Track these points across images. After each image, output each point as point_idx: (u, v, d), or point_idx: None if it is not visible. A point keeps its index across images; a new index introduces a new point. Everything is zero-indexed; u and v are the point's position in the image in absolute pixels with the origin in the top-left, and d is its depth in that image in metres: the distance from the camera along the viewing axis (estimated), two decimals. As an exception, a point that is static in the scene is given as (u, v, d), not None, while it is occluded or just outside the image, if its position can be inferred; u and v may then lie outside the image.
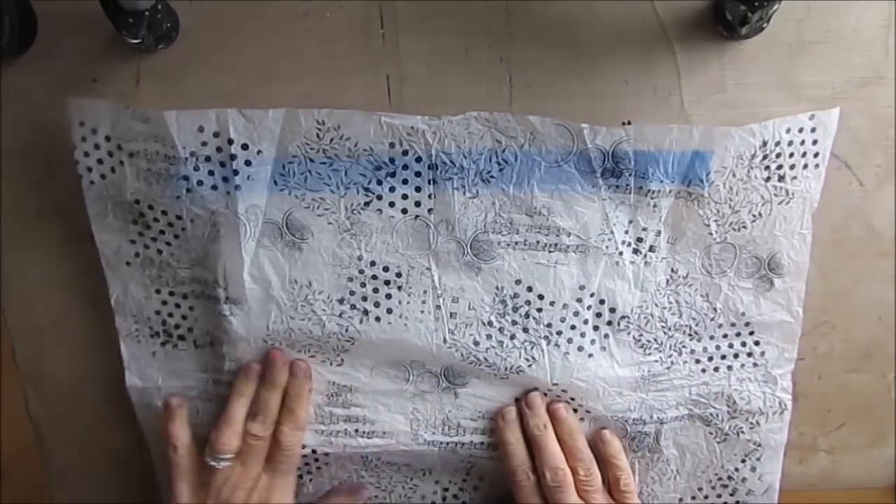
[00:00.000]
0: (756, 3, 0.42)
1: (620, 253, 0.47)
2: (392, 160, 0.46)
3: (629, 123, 0.46)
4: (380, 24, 0.48)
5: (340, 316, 0.48)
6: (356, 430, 0.51)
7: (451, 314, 0.48)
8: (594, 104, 0.48)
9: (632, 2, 0.47)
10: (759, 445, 0.52)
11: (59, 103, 0.49)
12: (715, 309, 0.49)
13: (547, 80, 0.48)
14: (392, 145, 0.45)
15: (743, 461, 0.52)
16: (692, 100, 0.48)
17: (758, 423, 0.51)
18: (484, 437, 0.50)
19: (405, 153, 0.46)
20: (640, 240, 0.47)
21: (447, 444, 0.51)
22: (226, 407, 0.48)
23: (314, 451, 0.51)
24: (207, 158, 0.45)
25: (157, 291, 0.49)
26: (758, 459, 0.52)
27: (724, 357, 0.50)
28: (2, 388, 0.53)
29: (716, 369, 0.50)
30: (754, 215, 0.47)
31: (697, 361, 0.50)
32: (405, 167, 0.46)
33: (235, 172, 0.46)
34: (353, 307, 0.48)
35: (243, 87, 0.48)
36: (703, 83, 0.48)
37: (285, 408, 0.49)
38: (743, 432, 0.51)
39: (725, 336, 0.50)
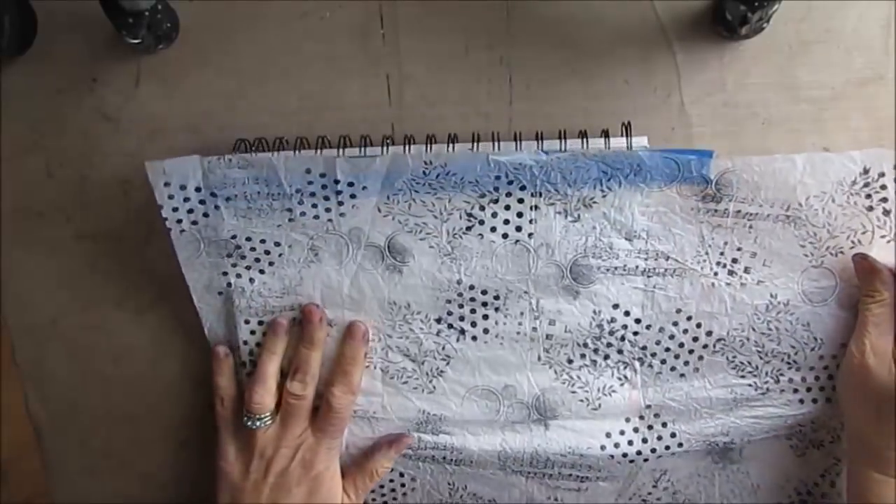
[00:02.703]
0: (756, 3, 0.42)
1: (715, 274, 0.47)
2: (496, 188, 0.46)
3: (629, 124, 0.46)
4: (380, 24, 0.48)
5: (438, 334, 0.49)
6: (444, 458, 0.51)
7: (547, 335, 0.48)
8: (594, 104, 0.48)
9: (632, 2, 0.47)
10: (839, 461, 0.50)
11: (59, 103, 0.49)
12: (815, 339, 0.47)
13: (547, 80, 0.48)
14: (497, 178, 0.46)
15: (822, 476, 0.51)
16: (692, 100, 0.48)
17: (839, 436, 0.49)
18: (573, 471, 0.50)
19: (510, 183, 0.46)
20: (734, 261, 0.47)
21: (535, 473, 0.51)
22: (258, 365, 0.48)
23: (402, 475, 0.52)
24: (312, 194, 0.46)
25: (246, 322, 0.49)
26: (837, 475, 0.51)
27: (822, 389, 0.48)
28: (2, 388, 0.53)
29: (814, 401, 0.48)
30: (853, 242, 0.46)
31: (795, 391, 0.48)
32: (508, 194, 0.46)
33: (340, 203, 0.46)
34: (450, 326, 0.49)
35: (243, 87, 0.48)
36: (703, 83, 0.48)
37: (339, 370, 0.49)
38: (823, 446, 0.50)
39: (826, 368, 0.48)
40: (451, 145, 0.46)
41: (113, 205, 0.50)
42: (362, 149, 0.47)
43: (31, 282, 0.52)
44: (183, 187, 0.46)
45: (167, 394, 0.54)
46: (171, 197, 0.46)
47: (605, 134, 0.46)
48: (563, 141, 0.46)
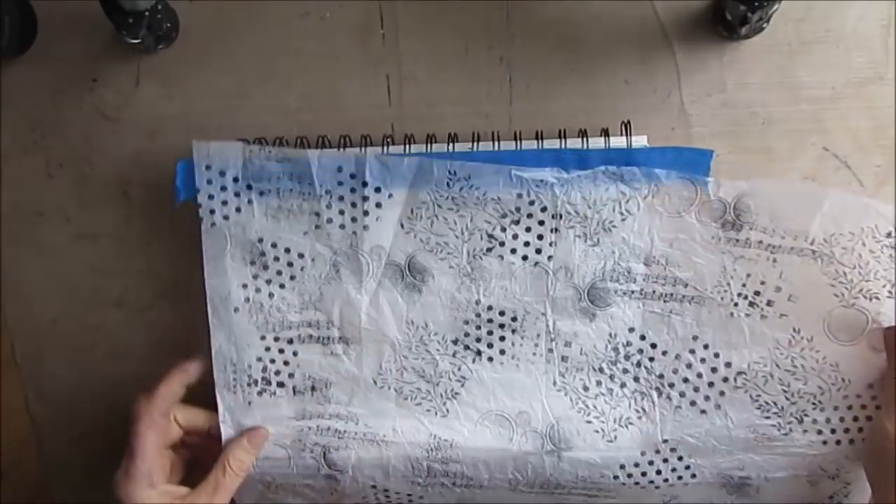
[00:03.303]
0: (756, 3, 0.42)
1: (735, 304, 0.46)
2: (518, 209, 0.46)
3: (629, 123, 0.46)
4: (380, 24, 0.48)
5: (454, 355, 0.49)
6: (454, 483, 0.50)
7: (562, 357, 0.48)
8: (594, 104, 0.48)
9: (632, 2, 0.47)
10: (848, 484, 0.49)
11: (59, 103, 0.49)
12: (843, 379, 0.46)
13: (547, 80, 0.48)
14: (519, 196, 0.46)
15: (830, 497, 0.50)
16: (692, 100, 0.48)
17: (854, 467, 0.48)
18: (584, 492, 0.50)
19: (531, 203, 0.46)
20: (757, 293, 0.46)
21: (545, 493, 0.50)
22: None
23: (409, 495, 0.51)
24: (341, 198, 0.47)
25: (262, 338, 0.49)
26: (846, 496, 0.50)
27: (847, 430, 0.47)
28: (2, 388, 0.53)
29: (837, 442, 0.47)
30: (890, 293, 0.45)
31: (819, 432, 0.47)
32: (530, 216, 0.46)
33: (365, 213, 0.47)
34: (466, 347, 0.49)
35: (243, 87, 0.48)
36: (703, 83, 0.48)
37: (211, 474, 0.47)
38: (838, 476, 0.49)
39: (850, 408, 0.47)
40: (451, 144, 0.47)
41: (113, 205, 0.50)
42: (362, 148, 0.47)
43: (31, 282, 0.52)
44: (222, 173, 0.46)
45: (167, 394, 0.54)
46: (209, 182, 0.46)
47: (605, 133, 0.46)
48: (563, 140, 0.46)
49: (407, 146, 0.47)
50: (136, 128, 0.49)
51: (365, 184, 0.46)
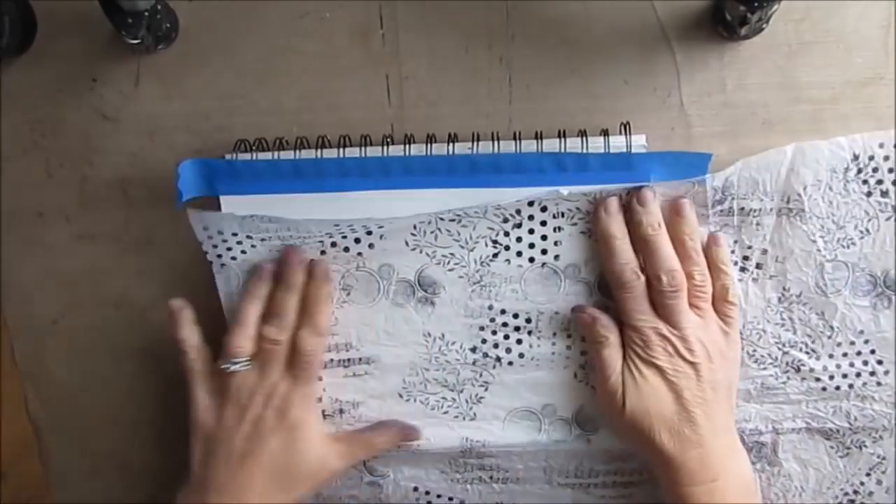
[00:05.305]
0: (756, 4, 0.42)
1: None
2: (518, 212, 0.47)
3: (628, 124, 0.46)
4: (380, 24, 0.48)
5: (474, 364, 0.50)
6: (490, 477, 0.52)
7: (581, 352, 0.49)
8: (594, 104, 0.48)
9: (631, 2, 0.47)
10: (884, 459, 0.51)
11: (59, 103, 0.49)
12: (832, 327, 0.49)
13: (547, 80, 0.48)
14: (518, 199, 0.46)
15: (868, 475, 0.51)
16: (692, 100, 0.48)
17: (881, 437, 0.50)
18: (618, 478, 0.52)
19: (531, 204, 0.46)
20: (746, 258, 0.48)
21: (581, 484, 0.52)
22: (238, 309, 0.48)
23: (451, 499, 0.52)
24: (343, 236, 0.48)
25: None
26: (883, 472, 0.51)
27: (845, 376, 0.49)
28: (2, 388, 0.53)
29: (837, 388, 0.49)
30: (861, 231, 0.47)
31: (817, 380, 0.49)
32: (531, 217, 0.47)
33: (369, 233, 0.48)
34: (485, 355, 0.49)
35: (243, 87, 0.48)
36: (702, 83, 0.48)
37: (304, 312, 0.48)
38: (866, 446, 0.50)
39: (845, 355, 0.49)
40: (451, 144, 0.47)
41: (113, 205, 0.50)
42: (362, 148, 0.47)
43: (31, 282, 0.52)
44: (220, 232, 0.47)
45: (167, 394, 0.54)
46: (210, 237, 0.48)
47: (605, 133, 0.46)
48: (562, 140, 0.46)
49: (407, 146, 0.47)
50: (136, 128, 0.49)
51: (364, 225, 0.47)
